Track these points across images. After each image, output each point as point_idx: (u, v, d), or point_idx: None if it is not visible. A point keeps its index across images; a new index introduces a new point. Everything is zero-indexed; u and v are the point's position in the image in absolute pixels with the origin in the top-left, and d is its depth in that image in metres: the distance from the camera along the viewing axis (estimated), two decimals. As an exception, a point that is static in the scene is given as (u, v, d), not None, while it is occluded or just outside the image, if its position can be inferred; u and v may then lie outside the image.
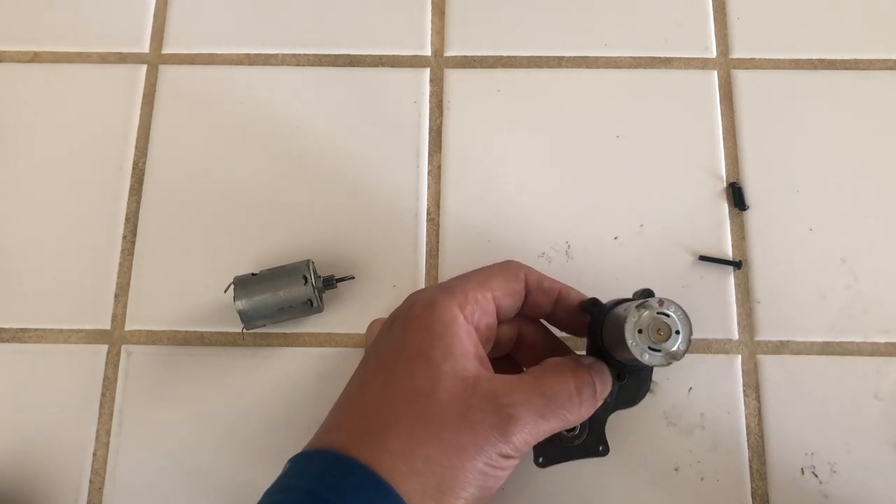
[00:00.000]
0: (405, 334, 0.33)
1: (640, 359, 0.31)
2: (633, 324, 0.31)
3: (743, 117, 0.45)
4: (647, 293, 0.34)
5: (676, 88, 0.46)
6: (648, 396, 0.39)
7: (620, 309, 0.33)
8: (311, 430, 0.33)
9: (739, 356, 0.41)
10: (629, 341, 0.31)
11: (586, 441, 0.36)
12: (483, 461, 0.30)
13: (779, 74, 0.46)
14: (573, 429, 0.35)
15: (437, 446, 0.30)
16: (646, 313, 0.31)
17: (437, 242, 0.43)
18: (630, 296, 0.35)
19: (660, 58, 0.46)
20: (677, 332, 0.31)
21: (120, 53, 0.47)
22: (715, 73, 0.46)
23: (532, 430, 0.31)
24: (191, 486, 0.39)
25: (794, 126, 0.45)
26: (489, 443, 0.30)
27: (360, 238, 0.40)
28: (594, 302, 0.35)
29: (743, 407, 0.40)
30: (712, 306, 0.42)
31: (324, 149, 0.45)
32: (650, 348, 0.31)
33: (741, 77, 0.46)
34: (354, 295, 0.42)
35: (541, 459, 0.36)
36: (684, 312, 0.32)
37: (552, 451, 0.35)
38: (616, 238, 0.43)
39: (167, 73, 0.47)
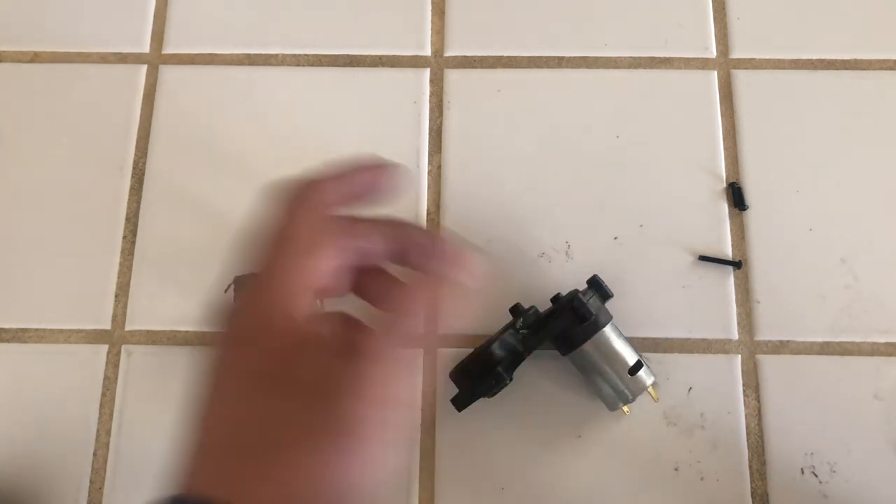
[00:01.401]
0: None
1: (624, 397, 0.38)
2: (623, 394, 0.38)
3: (743, 117, 0.45)
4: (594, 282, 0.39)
5: (676, 88, 0.46)
6: (646, 396, 0.39)
7: (613, 369, 0.37)
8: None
9: (739, 356, 0.41)
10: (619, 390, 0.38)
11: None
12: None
13: (779, 74, 0.46)
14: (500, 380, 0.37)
15: None
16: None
17: (437, 242, 0.43)
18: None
19: (660, 58, 0.46)
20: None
21: (120, 53, 0.47)
22: (715, 73, 0.46)
23: None
24: (191, 486, 0.39)
25: (794, 126, 0.45)
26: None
27: (360, 238, 0.40)
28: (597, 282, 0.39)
29: (743, 407, 0.40)
30: (712, 306, 0.42)
31: (323, 149, 0.45)
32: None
33: (741, 77, 0.46)
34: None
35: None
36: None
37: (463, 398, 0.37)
38: (616, 238, 0.43)
39: (167, 73, 0.47)
